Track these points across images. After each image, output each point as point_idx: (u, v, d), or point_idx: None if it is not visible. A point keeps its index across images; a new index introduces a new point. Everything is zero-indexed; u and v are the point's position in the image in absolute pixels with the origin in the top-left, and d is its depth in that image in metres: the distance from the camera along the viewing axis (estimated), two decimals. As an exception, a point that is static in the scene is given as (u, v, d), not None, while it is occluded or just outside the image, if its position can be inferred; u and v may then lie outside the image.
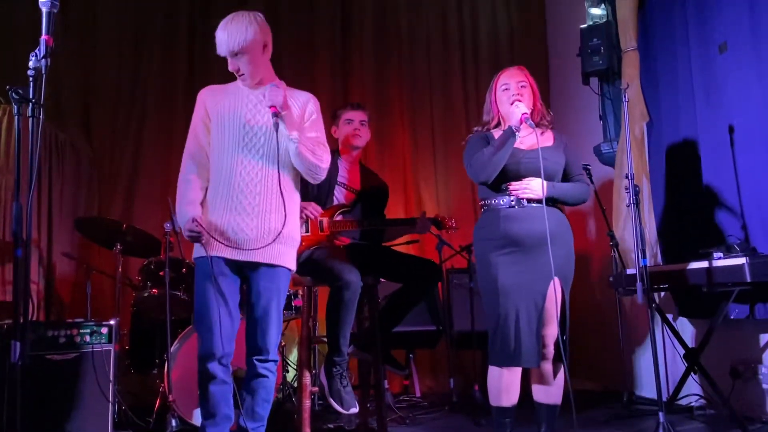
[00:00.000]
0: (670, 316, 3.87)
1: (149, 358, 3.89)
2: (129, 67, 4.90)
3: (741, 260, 2.80)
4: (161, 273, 3.75)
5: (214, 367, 2.43)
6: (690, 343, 3.73)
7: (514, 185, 2.62)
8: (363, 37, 5.37)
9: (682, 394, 3.66)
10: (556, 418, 2.69)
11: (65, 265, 4.28)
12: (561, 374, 2.68)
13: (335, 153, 3.39)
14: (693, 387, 3.69)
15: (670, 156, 3.85)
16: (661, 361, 2.90)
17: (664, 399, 2.85)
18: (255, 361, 2.52)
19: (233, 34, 2.42)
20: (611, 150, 4.46)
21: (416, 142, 5.38)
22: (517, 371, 2.62)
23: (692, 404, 3.71)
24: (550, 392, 2.67)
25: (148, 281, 3.77)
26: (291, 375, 4.28)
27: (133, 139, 4.80)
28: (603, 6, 4.52)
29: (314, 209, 3.15)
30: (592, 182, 3.78)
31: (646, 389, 4.29)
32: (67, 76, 4.64)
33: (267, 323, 2.50)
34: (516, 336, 2.54)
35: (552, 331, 2.61)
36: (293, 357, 4.56)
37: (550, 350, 2.62)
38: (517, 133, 2.57)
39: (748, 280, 2.76)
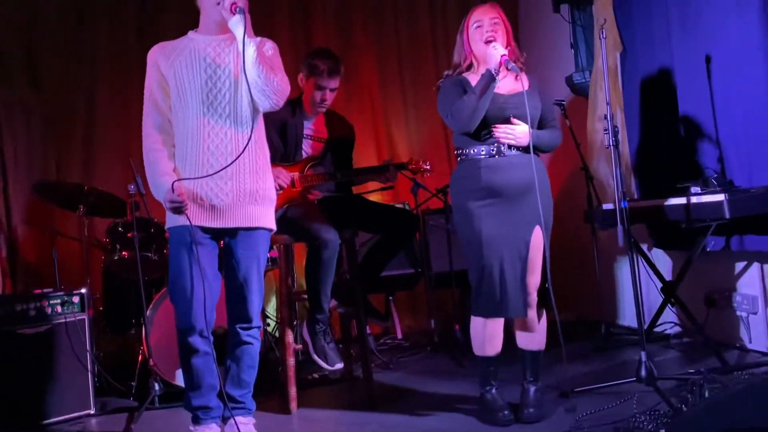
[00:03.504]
0: (645, 247, 3.91)
1: (125, 319, 3.82)
2: (74, 11, 4.56)
3: (720, 197, 2.79)
4: (129, 234, 3.63)
5: (195, 340, 2.37)
6: (665, 273, 3.78)
7: (501, 128, 2.54)
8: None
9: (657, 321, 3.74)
10: (540, 365, 2.72)
11: (27, 230, 4.10)
12: (544, 320, 2.69)
13: (298, 103, 3.23)
14: (669, 314, 3.76)
15: (645, 87, 3.77)
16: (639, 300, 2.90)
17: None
18: (238, 329, 2.47)
19: None
20: (584, 80, 4.37)
21: (383, 76, 5.16)
22: (500, 320, 2.62)
23: (667, 331, 3.80)
24: (533, 338, 2.68)
25: (117, 244, 3.65)
26: (271, 325, 4.25)
27: (85, 89, 4.51)
28: (573, -71, 4.32)
29: (284, 177, 3.04)
30: (566, 117, 3.70)
31: (623, 318, 4.39)
32: (7, 28, 4.30)
33: (248, 291, 2.44)
34: (502, 286, 2.53)
35: (535, 280, 2.60)
36: (271, 308, 4.53)
37: (534, 297, 2.61)
38: (497, 77, 2.47)
39: (727, 216, 2.76)
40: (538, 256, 2.57)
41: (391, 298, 4.50)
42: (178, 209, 2.28)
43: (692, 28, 3.37)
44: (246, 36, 2.25)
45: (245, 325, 2.47)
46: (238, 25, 2.27)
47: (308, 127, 3.25)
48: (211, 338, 2.42)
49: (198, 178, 2.30)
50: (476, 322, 2.64)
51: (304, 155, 3.20)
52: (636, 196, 3.90)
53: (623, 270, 4.33)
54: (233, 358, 2.50)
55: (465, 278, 2.72)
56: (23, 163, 4.18)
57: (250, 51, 2.26)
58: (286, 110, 3.15)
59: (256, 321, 2.49)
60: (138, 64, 4.48)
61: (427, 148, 5.07)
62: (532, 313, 2.63)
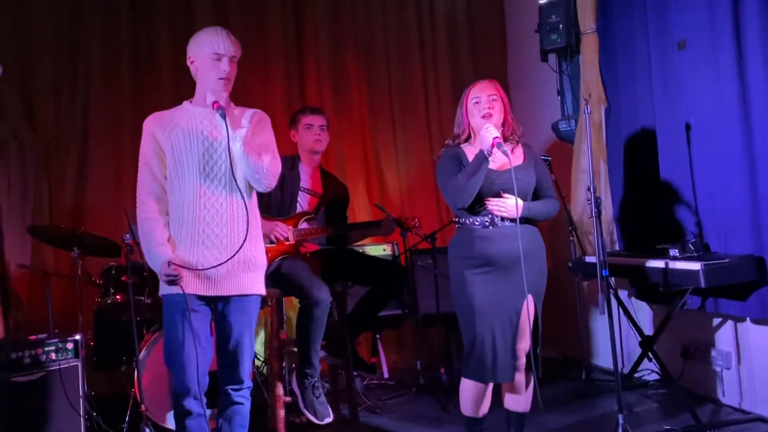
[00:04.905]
0: (625, 293, 4.03)
1: (116, 356, 3.86)
2: (68, 43, 4.57)
3: (696, 266, 2.91)
4: (123, 278, 3.69)
5: (189, 403, 2.44)
6: (645, 322, 3.90)
7: (493, 201, 2.66)
8: (317, 8, 5.16)
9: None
10: (524, 425, 2.84)
11: (20, 269, 4.13)
12: (531, 383, 2.79)
13: (296, 159, 3.36)
14: (647, 362, 3.87)
15: (629, 144, 3.90)
16: (617, 348, 3.01)
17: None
18: (230, 390, 2.54)
19: (236, 42, 2.46)
20: (569, 128, 4.47)
21: (374, 110, 5.26)
22: (490, 384, 2.72)
23: (646, 377, 3.92)
24: (519, 401, 2.80)
25: (111, 287, 3.71)
26: (258, 364, 4.31)
27: (78, 123, 4.53)
28: (562, -18, 4.43)
29: (282, 230, 3.13)
30: (552, 172, 3.81)
31: (603, 359, 4.50)
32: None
33: (240, 355, 2.51)
34: (493, 354, 2.63)
35: (525, 345, 2.70)
36: (259, 342, 4.59)
37: (522, 362, 2.72)
38: (489, 158, 2.59)
39: (703, 286, 2.89)
40: (527, 324, 2.67)
41: (378, 336, 4.59)
42: (173, 282, 2.36)
43: (674, 92, 3.50)
44: (231, 129, 2.35)
45: (237, 387, 2.53)
46: (221, 122, 2.37)
47: (305, 180, 3.36)
48: (205, 400, 2.49)
49: (198, 270, 2.39)
50: (467, 384, 2.74)
51: (299, 208, 3.29)
52: (618, 247, 4.03)
53: (604, 315, 4.45)
54: (225, 417, 2.55)
55: (452, 319, 2.85)
56: (16, 200, 4.20)
57: (237, 146, 2.37)
58: (285, 164, 3.26)
59: (247, 382, 2.56)
60: (130, 97, 4.63)
61: (415, 180, 5.19)
62: (520, 376, 2.74)
